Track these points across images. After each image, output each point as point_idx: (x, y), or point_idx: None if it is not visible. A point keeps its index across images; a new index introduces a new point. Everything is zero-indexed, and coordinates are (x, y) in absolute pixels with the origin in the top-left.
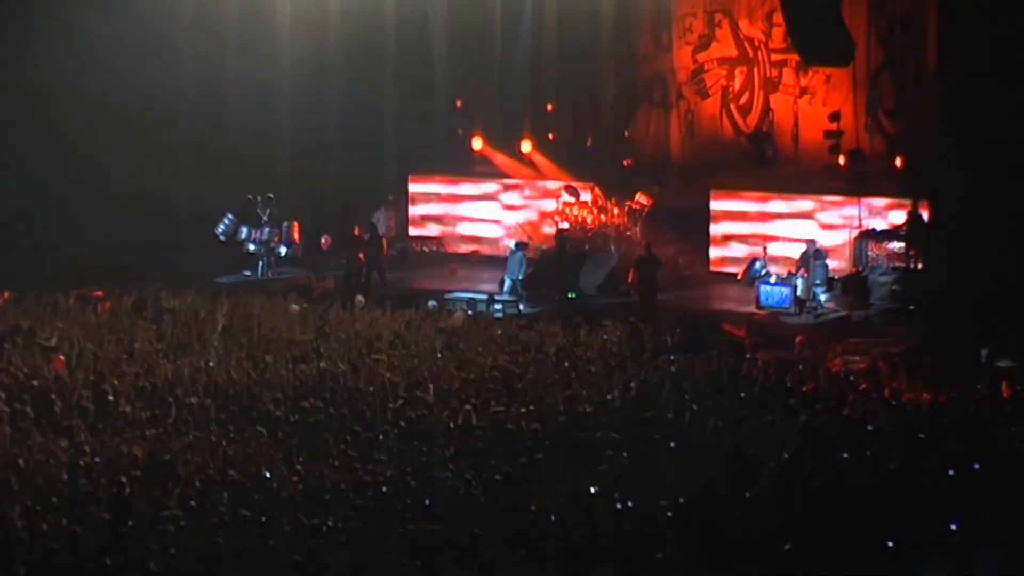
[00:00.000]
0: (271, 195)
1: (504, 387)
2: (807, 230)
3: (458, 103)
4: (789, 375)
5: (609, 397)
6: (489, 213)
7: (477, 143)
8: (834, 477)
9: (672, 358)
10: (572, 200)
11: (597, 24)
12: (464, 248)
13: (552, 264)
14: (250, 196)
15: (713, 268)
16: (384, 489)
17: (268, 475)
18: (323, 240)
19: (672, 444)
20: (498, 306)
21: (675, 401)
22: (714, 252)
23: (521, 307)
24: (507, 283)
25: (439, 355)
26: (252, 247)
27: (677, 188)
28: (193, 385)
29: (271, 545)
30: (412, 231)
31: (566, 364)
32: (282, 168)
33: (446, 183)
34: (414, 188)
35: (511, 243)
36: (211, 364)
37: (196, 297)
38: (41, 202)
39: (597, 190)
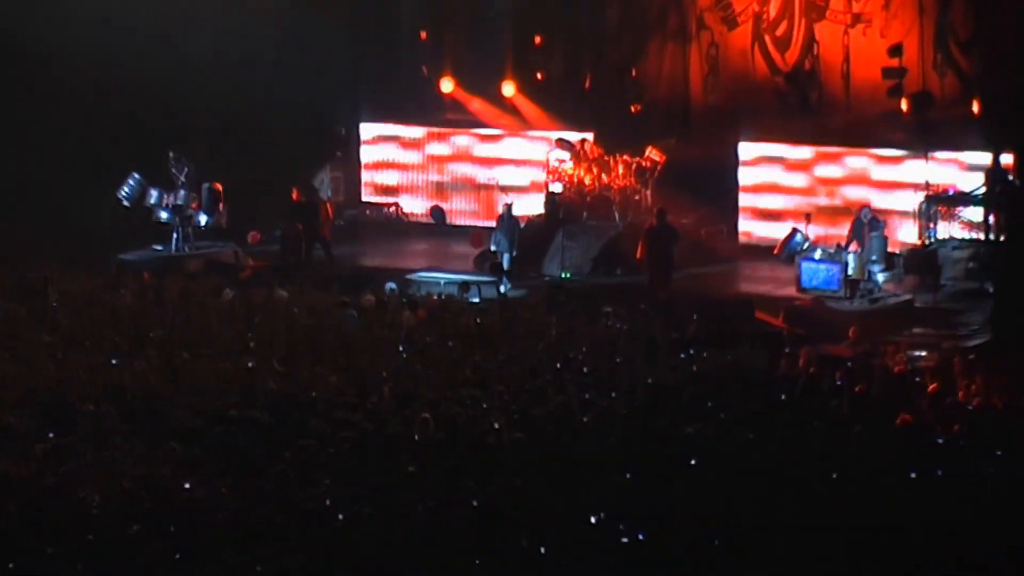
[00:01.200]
0: (218, 187)
1: (481, 390)
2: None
3: (423, 34)
4: (838, 374)
5: (612, 397)
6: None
7: (447, 85)
8: (895, 502)
9: (692, 354)
10: (565, 156)
11: None
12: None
13: (541, 236)
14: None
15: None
16: (340, 517)
17: (186, 502)
18: (250, 236)
19: (692, 462)
20: (474, 290)
21: (695, 409)
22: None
23: (503, 290)
24: (499, 255)
25: (400, 349)
26: (164, 215)
27: (698, 141)
28: (91, 389)
29: None
30: (365, 194)
31: (558, 364)
32: (200, 117)
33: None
34: (368, 142)
35: (504, 201)
36: (113, 363)
37: (93, 279)
38: None
39: (597, 143)
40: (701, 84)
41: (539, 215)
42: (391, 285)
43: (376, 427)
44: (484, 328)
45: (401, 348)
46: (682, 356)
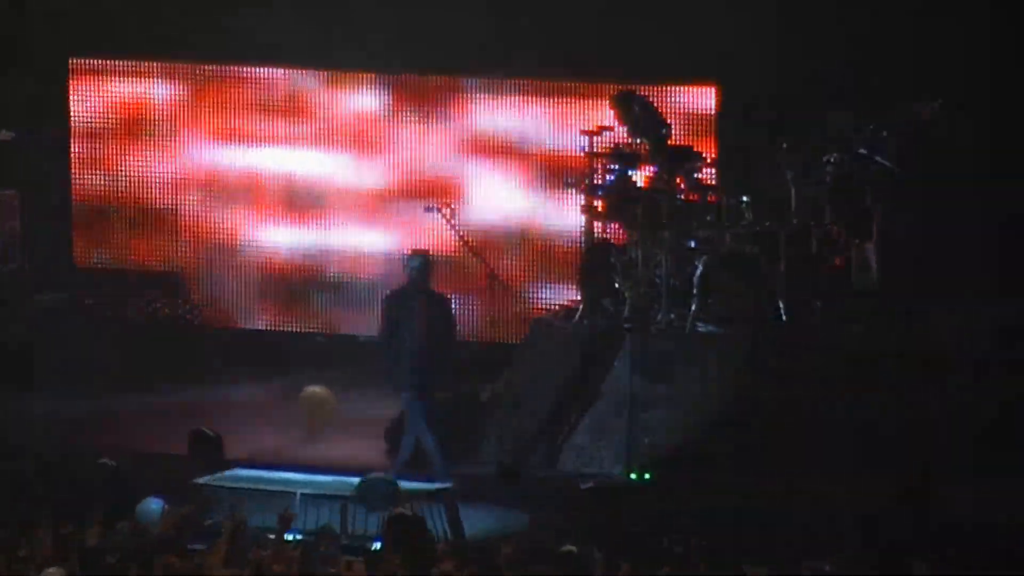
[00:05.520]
0: None
1: None
2: None
3: None
4: None
5: None
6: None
7: None
8: None
9: None
10: (639, 158)
11: None
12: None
13: (556, 364)
14: None
15: None
16: None
17: None
18: None
19: None
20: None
21: None
22: None
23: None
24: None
25: None
26: None
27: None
28: None
29: None
30: (84, 252)
31: None
32: None
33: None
34: (90, 114)
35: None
36: None
37: None
38: None
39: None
40: None
41: (556, 311)
42: (154, 506)
43: None
44: None
45: None
46: None
